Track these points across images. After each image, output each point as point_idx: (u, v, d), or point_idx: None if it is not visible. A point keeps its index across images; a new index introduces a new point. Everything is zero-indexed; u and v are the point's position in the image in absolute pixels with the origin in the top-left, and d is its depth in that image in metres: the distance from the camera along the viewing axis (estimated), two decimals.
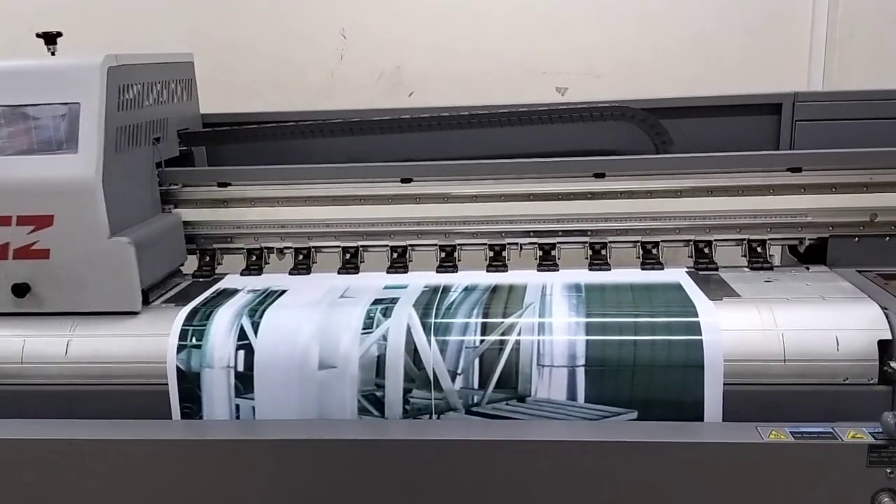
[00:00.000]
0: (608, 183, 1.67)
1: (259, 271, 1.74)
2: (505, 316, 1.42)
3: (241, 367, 1.41)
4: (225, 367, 1.42)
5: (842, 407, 1.33)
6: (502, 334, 1.40)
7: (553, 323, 1.40)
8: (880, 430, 1.26)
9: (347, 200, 1.72)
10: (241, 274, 1.74)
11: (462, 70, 2.57)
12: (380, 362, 1.40)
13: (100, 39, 2.25)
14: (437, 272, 1.69)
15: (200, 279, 1.73)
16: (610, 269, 1.65)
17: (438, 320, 1.42)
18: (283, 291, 1.57)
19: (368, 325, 1.42)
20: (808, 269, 1.65)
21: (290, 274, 1.73)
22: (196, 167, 1.89)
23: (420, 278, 1.62)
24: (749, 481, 1.27)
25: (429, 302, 1.47)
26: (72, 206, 1.47)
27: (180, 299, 1.58)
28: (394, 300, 1.48)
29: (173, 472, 1.37)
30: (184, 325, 1.46)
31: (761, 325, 1.38)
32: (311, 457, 1.34)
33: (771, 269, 1.64)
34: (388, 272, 1.70)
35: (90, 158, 1.47)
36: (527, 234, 1.71)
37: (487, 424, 1.37)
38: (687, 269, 1.64)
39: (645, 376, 1.35)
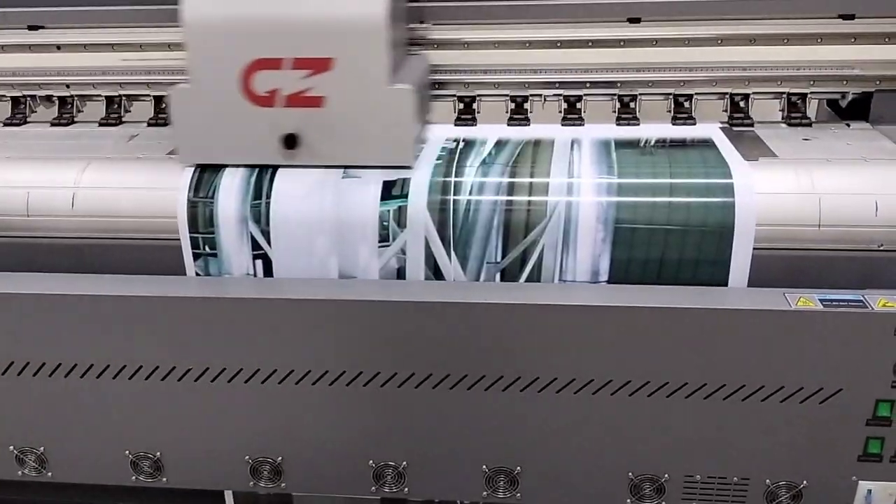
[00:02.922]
0: (643, 29, 1.54)
1: None
2: (527, 230, 1.34)
3: (261, 275, 1.40)
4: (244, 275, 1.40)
5: (874, 274, 1.29)
6: (524, 251, 1.34)
7: (579, 239, 1.33)
8: None
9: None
10: None
11: None
12: (400, 275, 1.37)
13: None
14: (456, 125, 1.60)
15: None
16: (639, 124, 1.56)
17: (457, 234, 1.34)
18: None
19: (385, 238, 1.35)
20: (848, 125, 1.56)
21: None
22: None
23: (435, 134, 1.53)
24: (774, 348, 1.26)
25: (443, 203, 1.35)
26: (356, 49, 1.32)
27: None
28: (404, 198, 1.36)
29: (187, 330, 1.36)
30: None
31: (798, 189, 1.31)
32: (331, 317, 1.33)
33: (809, 125, 1.55)
34: None
35: None
36: (552, 84, 1.60)
37: (509, 288, 1.34)
38: (720, 125, 1.54)
39: (674, 247, 1.31)
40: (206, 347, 1.36)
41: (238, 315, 1.35)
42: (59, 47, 1.68)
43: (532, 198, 1.35)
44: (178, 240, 1.40)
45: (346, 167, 1.39)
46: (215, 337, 1.36)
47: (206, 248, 1.40)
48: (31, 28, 1.68)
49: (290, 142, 1.36)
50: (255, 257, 1.40)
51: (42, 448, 1.47)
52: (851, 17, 1.50)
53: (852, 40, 1.51)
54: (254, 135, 1.37)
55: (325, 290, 1.35)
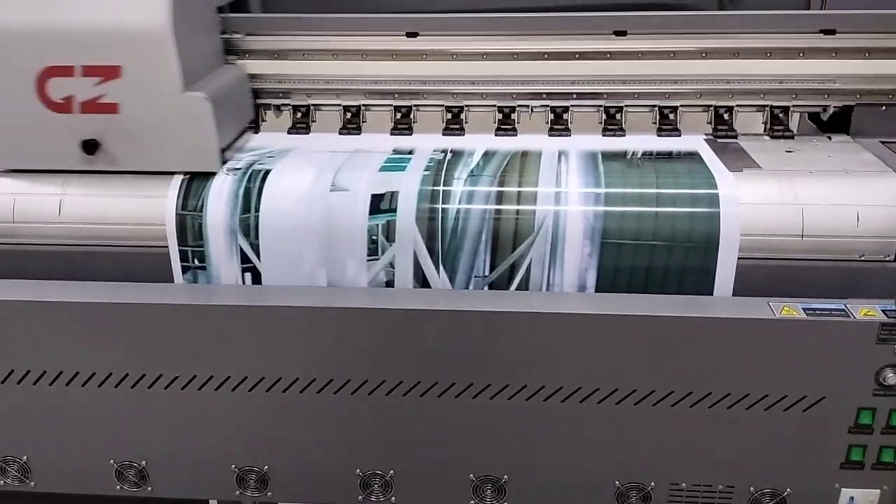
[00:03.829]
0: (629, 42, 1.56)
1: (255, 129, 1.66)
2: (515, 244, 1.34)
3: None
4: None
5: (856, 283, 1.31)
6: (512, 265, 1.35)
7: (566, 254, 1.34)
8: (893, 307, 1.25)
9: (349, 55, 1.61)
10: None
11: None
12: None
13: None
14: (444, 135, 1.61)
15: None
16: (625, 135, 1.58)
17: (445, 248, 1.35)
18: (267, 172, 1.42)
19: (373, 251, 1.35)
20: (830, 138, 1.58)
21: (289, 133, 1.65)
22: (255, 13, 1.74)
23: (424, 144, 1.54)
24: (758, 357, 1.27)
25: (432, 217, 1.35)
26: (141, 56, 1.34)
27: None
28: (392, 212, 1.36)
29: (174, 338, 1.36)
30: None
31: (782, 200, 1.33)
32: (318, 325, 1.33)
33: (792, 137, 1.57)
34: (391, 134, 1.63)
35: (159, 1, 1.33)
36: (539, 95, 1.62)
37: (496, 297, 1.35)
38: (705, 136, 1.57)
39: (660, 259, 1.32)
40: (192, 355, 1.36)
41: (225, 323, 1.34)
42: None
43: (520, 211, 1.35)
44: (167, 247, 1.39)
45: (146, 172, 1.41)
46: (202, 345, 1.35)
47: (195, 261, 1.40)
48: None
49: (89, 147, 1.38)
50: (244, 270, 1.40)
51: (25, 457, 1.46)
52: (833, 32, 1.52)
53: (833, 55, 1.54)
54: (54, 140, 1.39)
55: (311, 297, 1.35)
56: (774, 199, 1.34)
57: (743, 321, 1.26)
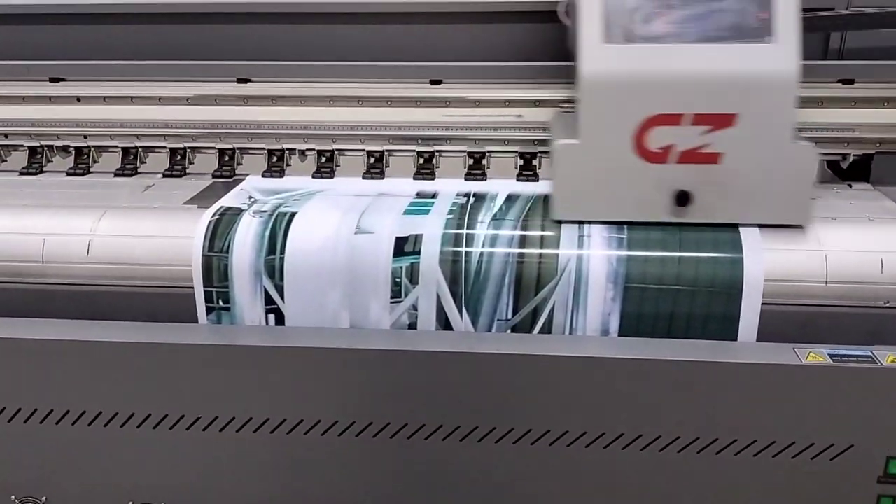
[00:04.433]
0: None
1: (281, 173, 1.69)
2: (538, 287, 1.35)
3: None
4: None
5: (882, 330, 1.31)
6: (535, 309, 1.35)
7: (589, 297, 1.34)
8: None
9: (374, 102, 1.65)
10: (263, 175, 1.69)
11: None
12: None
13: None
14: (466, 179, 1.64)
15: (220, 179, 1.68)
16: None
17: (469, 291, 1.36)
18: (293, 215, 1.43)
19: (397, 294, 1.36)
20: (850, 186, 1.59)
21: (314, 177, 1.67)
22: None
23: (447, 188, 1.55)
24: (784, 403, 1.26)
25: (455, 260, 1.36)
26: (762, 106, 1.28)
27: None
28: (416, 255, 1.37)
29: (198, 378, 1.36)
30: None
31: (805, 246, 1.34)
32: (340, 366, 1.33)
33: None
34: (414, 178, 1.65)
35: (789, 49, 1.28)
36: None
37: (519, 339, 1.35)
38: None
39: (683, 304, 1.32)
40: (215, 396, 1.36)
41: (248, 363, 1.35)
42: (78, 99, 1.72)
43: (543, 255, 1.36)
44: (192, 287, 1.41)
45: (737, 225, 1.35)
46: (225, 385, 1.36)
47: (220, 302, 1.41)
48: (52, 80, 1.72)
49: (683, 199, 1.33)
50: (267, 311, 1.40)
51: (45, 497, 1.45)
52: (851, 81, 1.55)
53: (852, 104, 1.56)
54: (642, 192, 1.34)
55: (334, 338, 1.35)
56: (798, 245, 1.34)
57: (768, 367, 1.25)
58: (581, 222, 1.37)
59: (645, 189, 1.34)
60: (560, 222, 1.38)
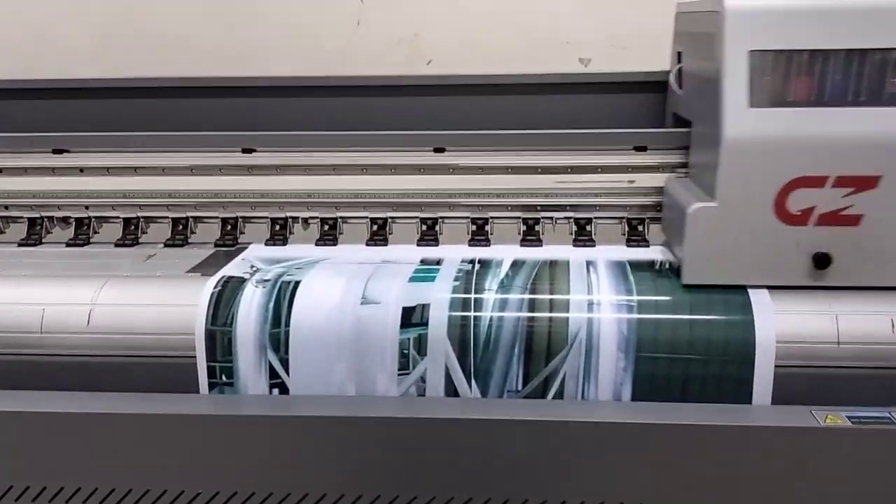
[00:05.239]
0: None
1: (284, 242, 1.68)
2: (548, 358, 1.34)
3: None
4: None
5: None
6: (545, 379, 1.34)
7: (600, 367, 1.33)
8: None
9: (378, 169, 1.66)
10: (266, 244, 1.68)
11: (482, 39, 2.49)
12: None
13: None
14: (470, 245, 1.64)
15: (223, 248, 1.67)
16: (648, 246, 1.60)
17: (478, 362, 1.34)
18: (297, 284, 1.42)
19: (404, 366, 1.35)
20: None
21: (317, 245, 1.67)
22: None
23: (451, 254, 1.55)
24: (802, 468, 1.24)
25: (463, 330, 1.35)
26: None
27: None
28: (423, 326, 1.35)
29: (199, 451, 1.32)
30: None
31: (815, 307, 1.33)
32: (349, 434, 1.30)
33: None
34: (418, 245, 1.65)
35: None
36: (563, 207, 1.65)
37: (531, 405, 1.32)
38: None
39: (695, 369, 1.31)
40: (218, 469, 1.32)
41: (250, 435, 1.31)
42: (81, 170, 1.72)
43: (553, 322, 1.35)
44: (194, 357, 1.38)
45: (876, 288, 1.34)
46: (227, 458, 1.31)
47: (223, 377, 1.38)
48: (56, 151, 1.73)
49: (822, 262, 1.32)
50: (272, 386, 1.37)
51: None
52: None
53: None
54: (780, 254, 1.34)
55: (339, 407, 1.32)
56: (807, 306, 1.34)
57: (786, 430, 1.23)
58: (713, 287, 1.36)
59: (784, 251, 1.34)
60: (690, 287, 1.37)
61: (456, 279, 1.43)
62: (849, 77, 1.31)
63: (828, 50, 1.31)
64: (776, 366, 1.30)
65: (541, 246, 1.63)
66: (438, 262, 1.52)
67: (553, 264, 1.49)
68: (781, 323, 1.31)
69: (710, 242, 1.36)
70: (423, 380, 1.35)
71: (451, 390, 1.35)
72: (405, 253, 1.59)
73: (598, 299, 1.36)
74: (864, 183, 1.30)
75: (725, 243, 1.35)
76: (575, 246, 1.63)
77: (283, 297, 1.40)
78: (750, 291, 1.35)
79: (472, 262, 1.51)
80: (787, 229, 1.33)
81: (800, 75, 1.33)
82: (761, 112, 1.32)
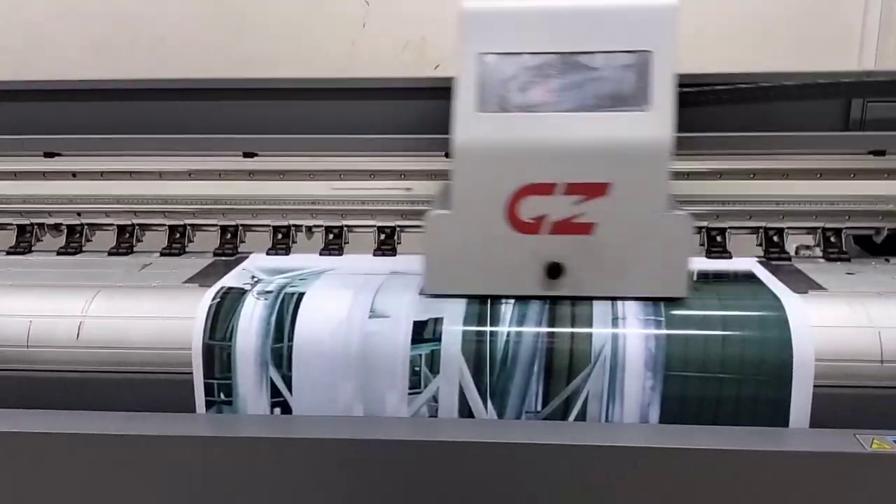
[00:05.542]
0: None
1: (286, 251, 1.60)
2: (570, 376, 1.25)
3: None
4: None
5: None
6: (566, 399, 1.25)
7: (626, 387, 1.24)
8: None
9: (386, 175, 1.59)
10: (267, 253, 1.60)
11: None
12: None
13: None
14: None
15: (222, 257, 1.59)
16: None
17: (494, 380, 1.26)
18: (301, 296, 1.33)
19: (415, 384, 1.26)
20: (888, 261, 1.53)
21: (321, 255, 1.59)
22: None
23: None
24: (848, 497, 1.15)
25: (479, 347, 1.26)
26: (635, 174, 1.26)
27: None
28: (436, 341, 1.26)
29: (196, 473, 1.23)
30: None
31: (855, 322, 1.25)
32: (356, 458, 1.21)
33: (848, 259, 1.52)
34: None
35: (664, 118, 1.26)
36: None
37: (551, 427, 1.24)
38: (758, 259, 1.51)
39: (729, 389, 1.23)
40: (216, 494, 1.23)
41: (251, 456, 1.22)
42: (74, 174, 1.65)
43: (575, 338, 1.26)
44: (191, 373, 1.29)
45: (612, 299, 1.29)
46: (225, 481, 1.23)
47: (221, 395, 1.29)
48: (47, 155, 1.65)
49: (554, 271, 1.29)
50: (273, 405, 1.29)
51: None
52: (882, 153, 1.50)
53: (885, 176, 1.51)
54: (514, 264, 1.29)
55: (345, 429, 1.24)
56: (847, 321, 1.25)
57: (830, 455, 1.14)
58: (451, 296, 1.31)
59: (517, 261, 1.29)
60: (432, 296, 1.31)
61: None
62: (576, 82, 1.27)
63: (555, 53, 1.27)
64: (815, 385, 1.21)
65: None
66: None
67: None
68: (819, 339, 1.23)
69: (448, 251, 1.31)
70: (435, 399, 1.26)
71: (466, 411, 1.26)
72: (413, 263, 1.51)
73: (624, 320, 1.27)
74: (593, 190, 1.26)
75: (462, 252, 1.30)
76: None
77: (285, 309, 1.31)
78: (785, 303, 1.26)
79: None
80: (520, 237, 1.28)
81: (526, 79, 1.28)
82: (489, 116, 1.28)
